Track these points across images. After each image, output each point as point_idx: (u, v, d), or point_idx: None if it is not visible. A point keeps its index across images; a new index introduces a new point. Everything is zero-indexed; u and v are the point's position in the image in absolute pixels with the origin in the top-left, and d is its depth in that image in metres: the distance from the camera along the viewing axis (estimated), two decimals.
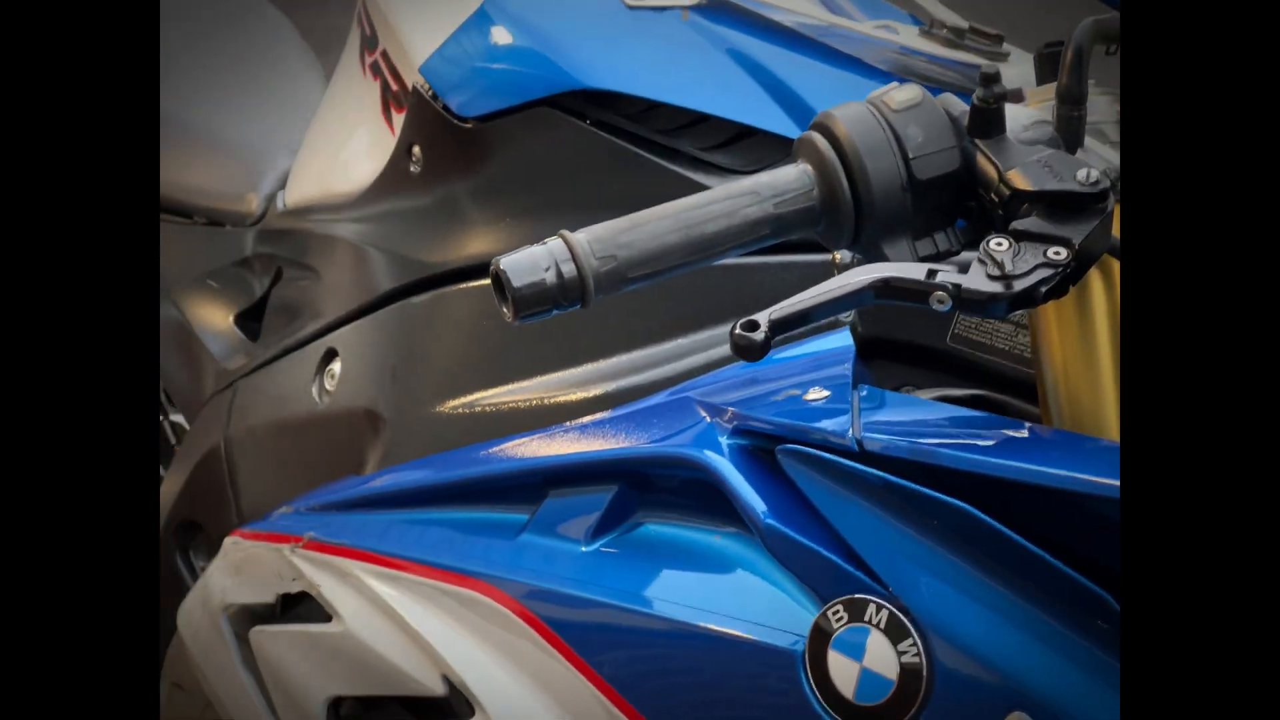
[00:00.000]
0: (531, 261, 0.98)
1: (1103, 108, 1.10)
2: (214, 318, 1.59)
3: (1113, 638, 0.98)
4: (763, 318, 0.99)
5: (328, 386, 1.41)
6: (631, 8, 1.28)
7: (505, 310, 0.99)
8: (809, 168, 1.03)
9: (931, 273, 0.99)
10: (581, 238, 0.99)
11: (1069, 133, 1.05)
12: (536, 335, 1.28)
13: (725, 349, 1.21)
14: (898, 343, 1.17)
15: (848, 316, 1.17)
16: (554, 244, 0.99)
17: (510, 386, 1.29)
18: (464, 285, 1.31)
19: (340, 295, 1.43)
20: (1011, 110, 1.05)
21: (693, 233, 1.01)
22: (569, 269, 0.98)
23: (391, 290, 1.37)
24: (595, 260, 0.99)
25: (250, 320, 1.57)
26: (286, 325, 1.50)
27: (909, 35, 1.29)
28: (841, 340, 1.15)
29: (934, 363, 1.16)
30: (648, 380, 1.23)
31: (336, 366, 1.41)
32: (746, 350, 0.98)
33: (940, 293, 0.99)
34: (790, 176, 1.03)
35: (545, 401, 1.27)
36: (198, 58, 1.75)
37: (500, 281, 0.98)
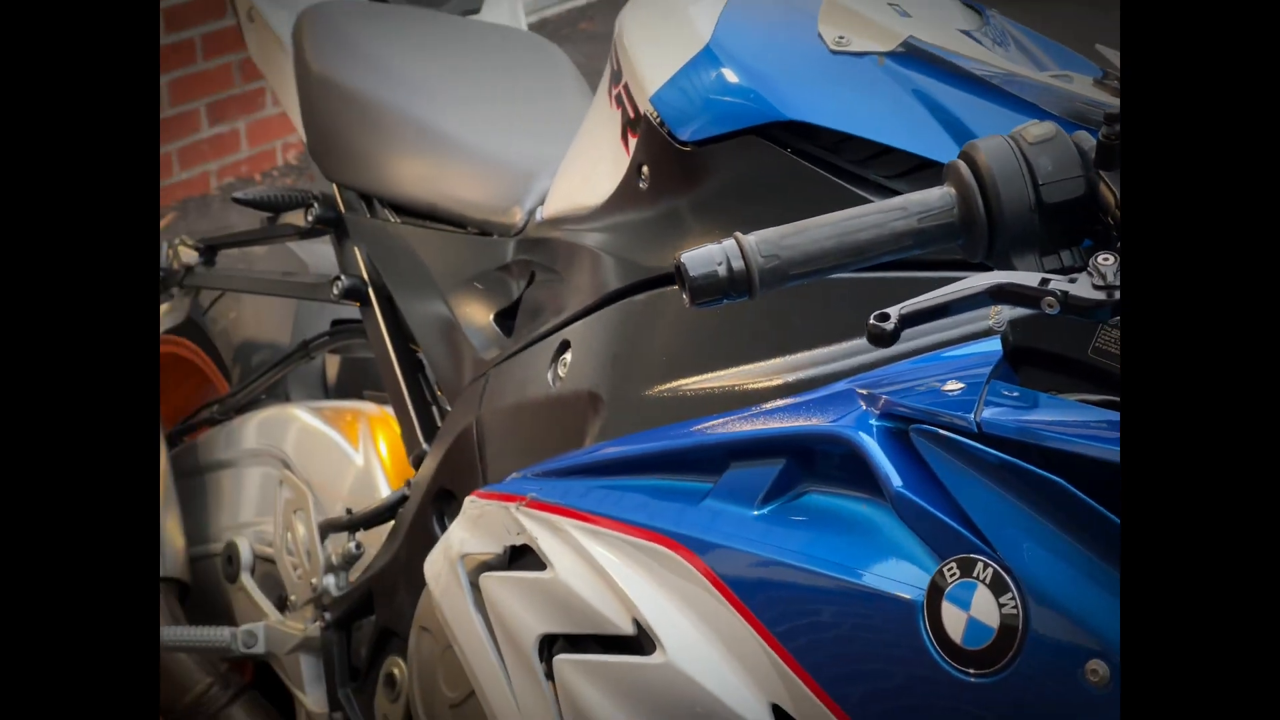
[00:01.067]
0: (707, 256, 1.17)
1: None
2: (477, 315, 1.81)
3: None
4: (894, 311, 1.16)
5: (560, 373, 1.62)
6: (834, 53, 1.46)
7: (685, 297, 1.18)
8: (951, 190, 1.20)
9: (1044, 280, 1.16)
10: (751, 239, 1.18)
11: None
12: (733, 331, 1.47)
13: (862, 347, 1.39)
14: (1044, 353, 1.32)
15: (1000, 326, 1.33)
16: (728, 243, 1.18)
17: (709, 375, 1.48)
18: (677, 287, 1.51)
19: (577, 295, 1.64)
20: None
21: (846, 240, 1.19)
22: (738, 264, 1.17)
23: (618, 290, 1.57)
24: (761, 258, 1.18)
25: (507, 318, 1.79)
26: (533, 321, 1.72)
27: (1083, 84, 1.44)
28: (992, 347, 1.31)
29: (1076, 372, 1.31)
30: (825, 373, 1.41)
31: (569, 356, 1.61)
32: (879, 338, 1.16)
33: (1049, 298, 1.15)
34: (935, 196, 1.20)
35: (737, 388, 1.45)
36: (480, 88, 1.98)
37: (681, 272, 1.18)
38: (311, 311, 2.11)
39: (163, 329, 2.25)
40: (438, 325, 1.86)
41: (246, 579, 2.00)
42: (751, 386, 1.45)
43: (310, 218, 1.99)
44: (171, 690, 1.99)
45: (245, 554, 2.01)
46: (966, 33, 1.49)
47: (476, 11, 2.19)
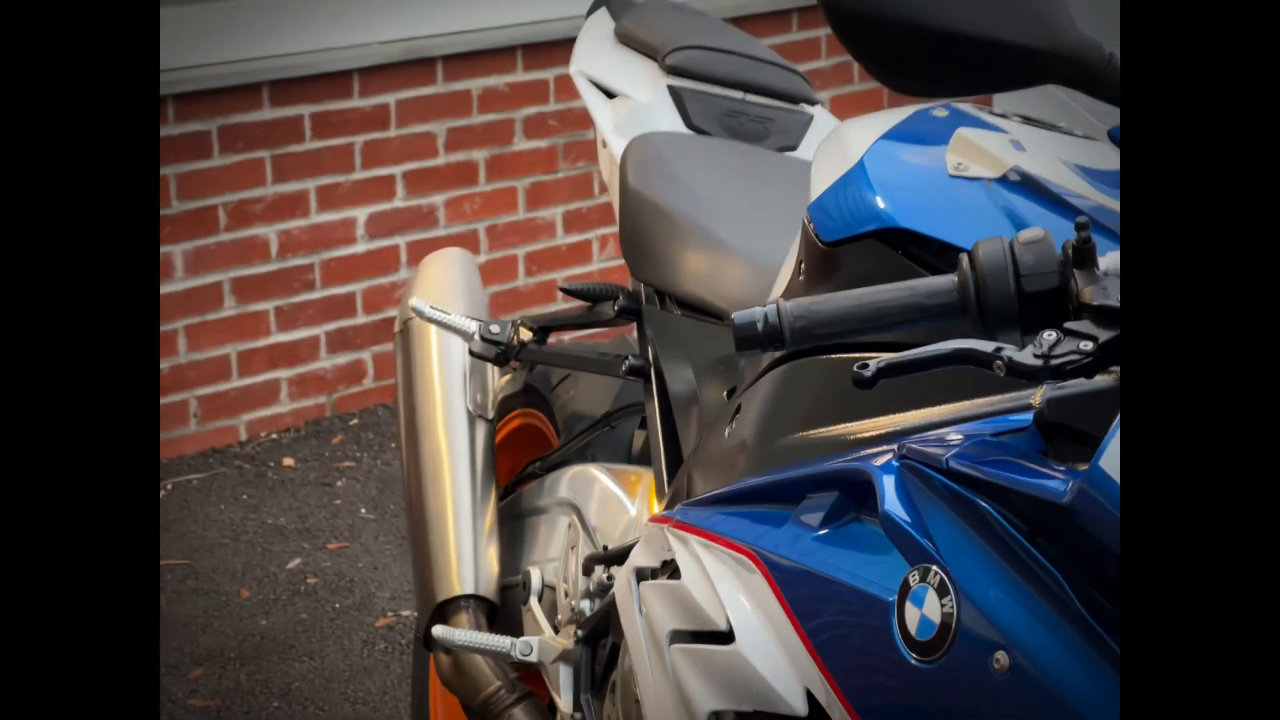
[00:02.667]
0: (751, 316, 1.51)
1: None
2: (712, 394, 2.17)
3: (1072, 612, 1.37)
4: (873, 363, 1.47)
5: (732, 429, 1.96)
6: (952, 176, 1.77)
7: (735, 342, 1.52)
8: (954, 277, 1.50)
9: (998, 349, 1.45)
10: (789, 304, 1.51)
11: None
12: (848, 397, 1.78)
13: (944, 412, 1.67)
14: (1073, 429, 1.59)
15: (1039, 403, 1.60)
16: (770, 306, 1.51)
17: (827, 428, 1.79)
18: (819, 356, 1.84)
19: (756, 368, 1.98)
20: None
21: (863, 310, 1.51)
22: (774, 322, 1.50)
23: (774, 362, 1.91)
24: (791, 318, 1.50)
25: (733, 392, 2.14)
26: (735, 392, 2.07)
27: None
28: (1026, 418, 1.59)
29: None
30: (902, 428, 1.70)
31: (739, 415, 1.95)
32: (859, 383, 1.47)
33: (998, 362, 1.44)
34: (941, 282, 1.50)
35: (842, 437, 1.76)
36: (762, 207, 2.33)
37: (732, 325, 1.51)
38: (632, 391, 2.50)
39: (504, 395, 2.68)
40: (687, 400, 2.23)
41: (534, 602, 2.39)
42: (852, 437, 1.76)
43: (615, 308, 2.39)
44: (469, 688, 2.39)
45: (535, 582, 2.41)
46: (1072, 164, 1.77)
47: (794, 149, 2.55)
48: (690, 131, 2.50)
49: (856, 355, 1.74)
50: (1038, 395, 1.61)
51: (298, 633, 3.61)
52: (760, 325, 1.51)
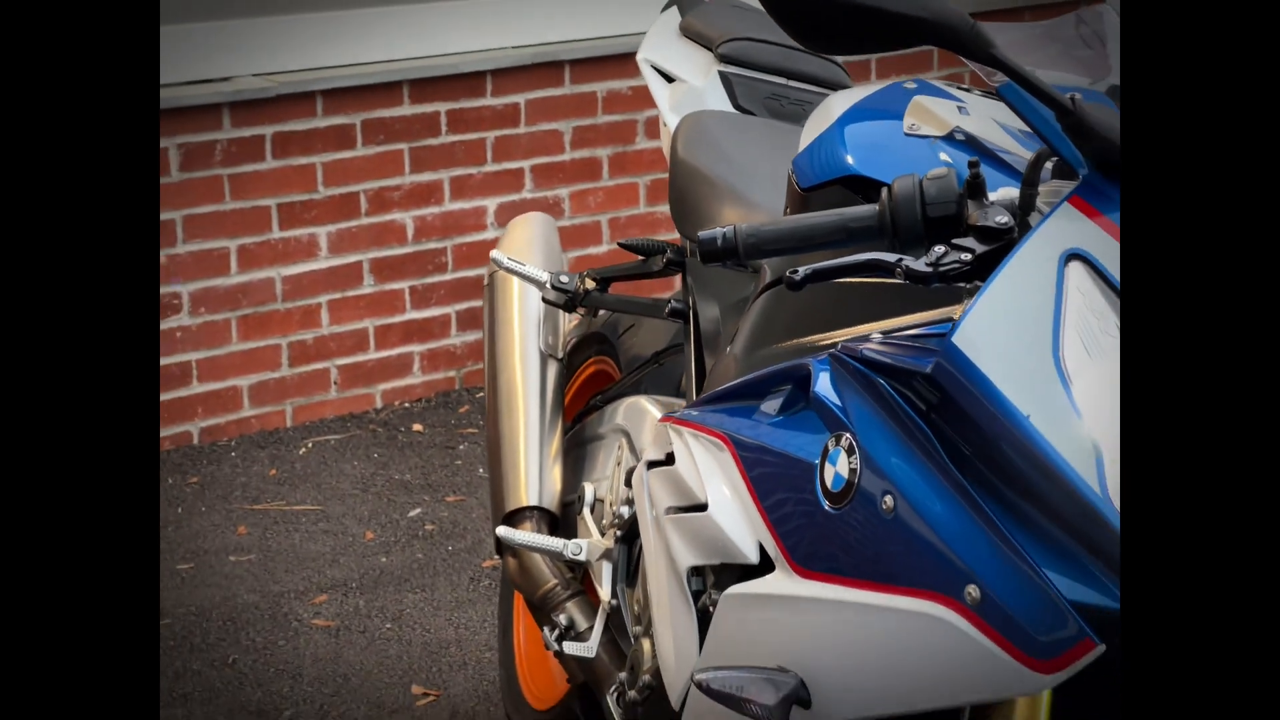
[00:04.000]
0: (712, 234, 1.88)
1: None
2: (731, 327, 2.54)
3: (938, 462, 1.73)
4: (803, 270, 1.84)
5: (729, 346, 2.34)
6: (906, 135, 2.13)
7: (700, 255, 1.90)
8: (876, 206, 1.86)
9: (900, 259, 1.81)
10: (743, 225, 1.88)
11: (1026, 199, 1.83)
12: (813, 314, 2.14)
13: (886, 325, 2.03)
14: None
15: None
16: (729, 227, 1.88)
17: (797, 339, 2.16)
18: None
19: (754, 295, 2.36)
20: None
21: (800, 230, 1.88)
22: (730, 239, 1.88)
23: (763, 288, 2.29)
24: (744, 236, 1.88)
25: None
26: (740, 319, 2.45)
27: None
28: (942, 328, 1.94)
29: None
30: (849, 336, 2.07)
31: (736, 333, 2.34)
32: (790, 285, 1.84)
33: (899, 269, 1.80)
34: (864, 210, 1.87)
35: (807, 345, 2.13)
36: (780, 169, 2.70)
37: (698, 241, 1.89)
38: (681, 335, 2.88)
39: (578, 342, 3.08)
40: (714, 335, 2.60)
41: (586, 513, 2.78)
42: (813, 345, 2.12)
43: (664, 261, 2.78)
44: (530, 585, 2.78)
45: (589, 496, 2.79)
46: (1005, 126, 2.13)
47: None
48: (736, 111, 2.88)
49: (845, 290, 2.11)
50: (959, 310, 1.97)
51: (413, 569, 4.02)
52: (719, 241, 1.88)
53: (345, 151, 4.85)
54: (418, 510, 4.35)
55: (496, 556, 3.94)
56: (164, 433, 4.70)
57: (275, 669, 3.58)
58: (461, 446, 4.74)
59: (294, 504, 4.39)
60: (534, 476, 2.84)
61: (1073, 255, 1.69)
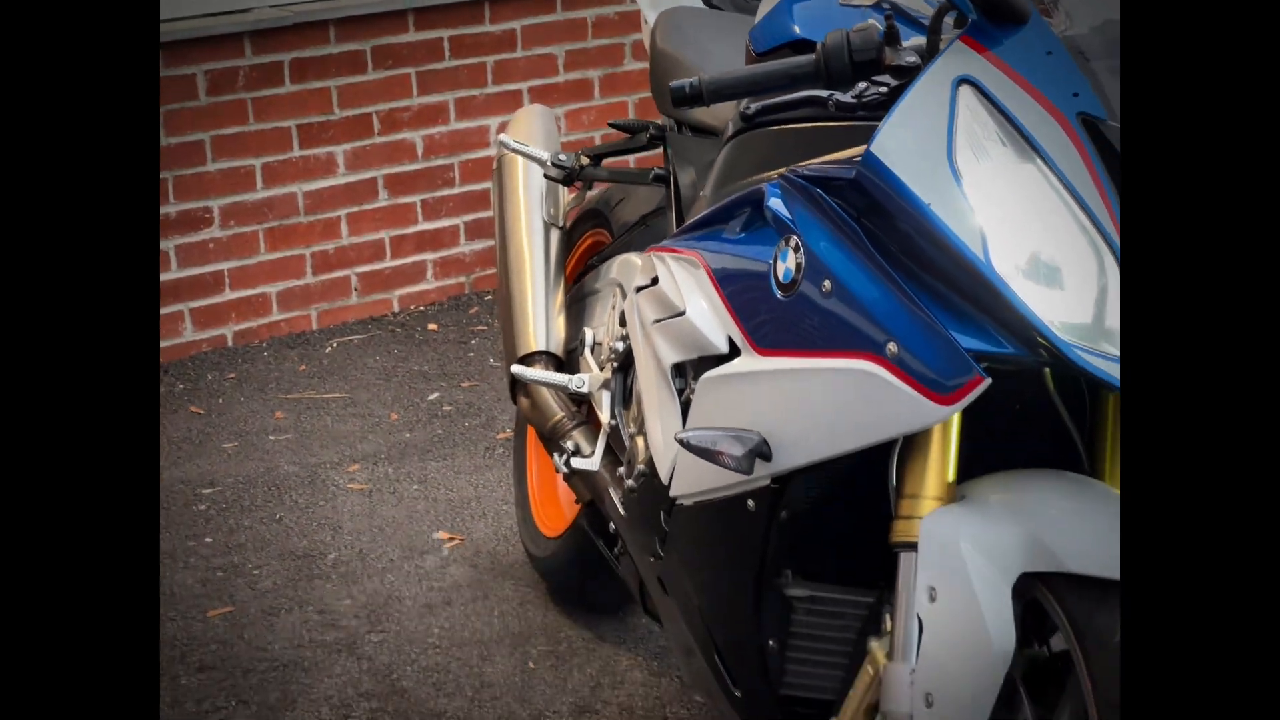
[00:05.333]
0: (681, 83, 2.34)
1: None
2: (704, 185, 3.00)
3: (866, 251, 2.18)
4: (754, 105, 2.29)
5: (704, 188, 2.80)
6: (841, 5, 2.58)
7: (671, 101, 2.35)
8: (813, 55, 2.31)
9: (831, 95, 2.26)
10: (706, 75, 2.33)
11: (931, 44, 2.27)
12: (771, 158, 2.59)
13: (830, 157, 2.48)
14: None
15: None
16: (694, 78, 2.34)
17: (757, 176, 2.61)
18: (754, 132, 2.65)
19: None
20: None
21: (753, 76, 2.33)
22: (696, 86, 2.33)
23: (726, 139, 2.74)
24: (706, 83, 2.33)
25: None
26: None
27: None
28: None
29: None
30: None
31: (707, 178, 2.79)
32: (744, 118, 2.29)
33: (830, 102, 2.26)
34: (804, 59, 2.31)
35: (763, 182, 2.58)
36: (744, 54, 3.15)
37: (669, 89, 2.34)
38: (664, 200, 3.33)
39: (571, 212, 3.53)
40: (691, 194, 3.06)
41: (587, 354, 3.23)
42: (767, 180, 2.58)
43: (648, 137, 3.23)
44: (540, 418, 3.24)
45: (589, 339, 3.25)
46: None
47: None
48: (706, 7, 3.33)
49: (779, 131, 2.57)
50: None
51: (434, 442, 4.49)
52: (687, 89, 2.34)
53: (357, 76, 5.29)
54: (436, 394, 4.81)
55: (507, 431, 4.41)
56: (200, 335, 5.15)
57: (317, 523, 4.04)
58: (473, 341, 5.20)
59: (324, 393, 4.85)
60: (541, 325, 3.30)
61: (963, 80, 2.14)
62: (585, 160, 3.33)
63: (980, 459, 2.25)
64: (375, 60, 5.32)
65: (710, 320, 2.47)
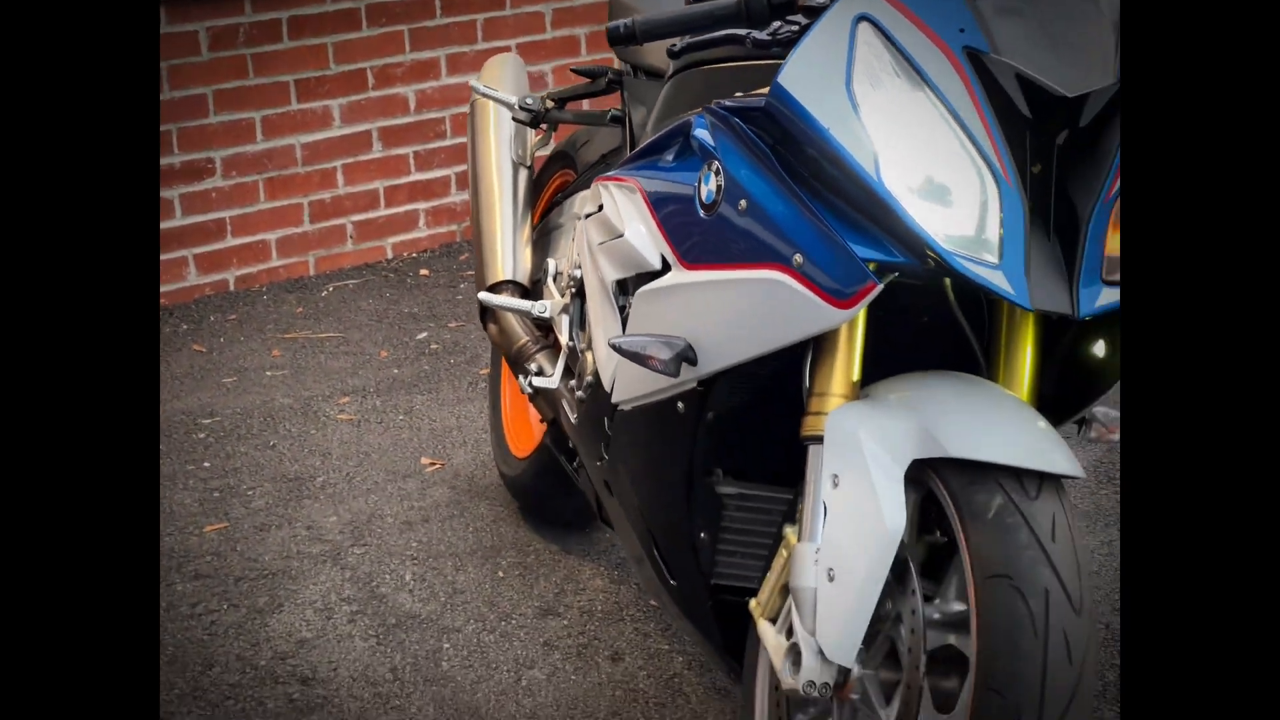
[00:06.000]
0: (616, 24, 2.59)
1: None
2: (650, 117, 3.25)
3: (777, 173, 2.43)
4: (680, 43, 2.54)
5: (648, 125, 3.04)
6: None
7: (608, 41, 2.60)
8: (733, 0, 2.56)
9: (749, 33, 2.51)
10: (638, 17, 2.58)
11: None
12: (706, 94, 2.84)
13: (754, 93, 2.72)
14: None
15: None
16: (628, 19, 2.58)
17: (690, 111, 2.86)
18: (690, 71, 2.90)
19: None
20: None
21: (680, 17, 2.57)
22: (630, 26, 2.58)
23: (670, 75, 2.99)
24: (638, 23, 2.58)
25: None
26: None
27: None
28: None
29: None
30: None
31: (651, 112, 3.04)
32: (670, 54, 2.54)
33: (748, 40, 2.51)
34: (727, 1, 2.56)
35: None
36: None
37: (606, 30, 2.60)
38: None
39: (538, 152, 3.78)
40: (642, 132, 3.31)
41: (550, 282, 3.49)
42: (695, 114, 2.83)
43: (606, 82, 3.48)
44: (507, 342, 3.49)
45: (552, 268, 3.50)
46: None
47: None
48: None
49: (710, 70, 2.82)
50: None
51: (420, 378, 4.75)
52: (621, 29, 2.59)
53: (352, 33, 5.54)
54: (424, 334, 5.07)
55: (488, 367, 4.66)
56: (203, 280, 5.41)
57: (308, 450, 4.31)
58: (462, 285, 5.45)
59: (319, 333, 5.11)
60: (509, 257, 3.56)
61: (861, 18, 2.38)
62: (550, 103, 3.58)
63: (891, 365, 2.50)
64: (370, 18, 5.57)
65: (645, 240, 2.72)
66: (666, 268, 2.66)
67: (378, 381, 4.73)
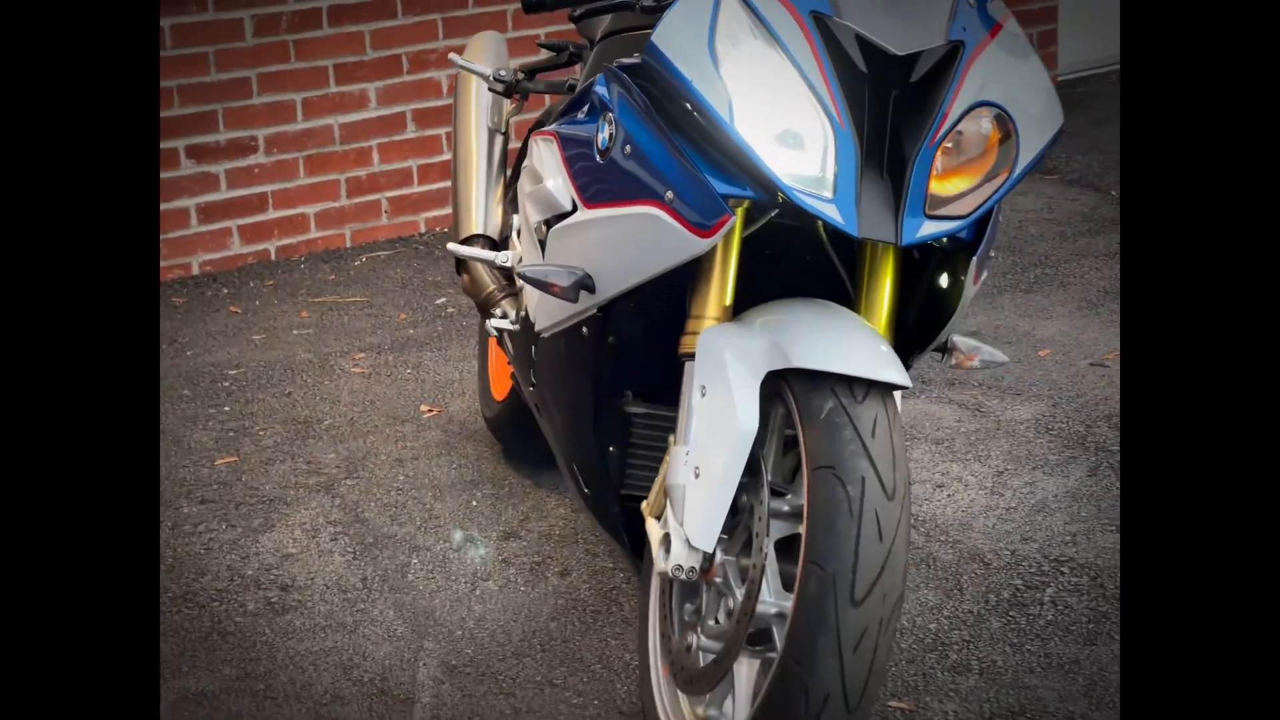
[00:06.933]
0: None
1: None
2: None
3: (656, 122, 2.79)
4: (579, 10, 2.90)
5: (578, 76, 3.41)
6: None
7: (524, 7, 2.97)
8: None
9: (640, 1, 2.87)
10: None
11: None
12: (625, 51, 3.20)
13: None
14: None
15: None
16: None
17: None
18: (615, 38, 3.26)
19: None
20: None
21: None
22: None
23: (598, 40, 3.35)
24: None
25: None
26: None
27: None
28: None
29: None
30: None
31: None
32: (572, 19, 2.91)
33: (638, 6, 2.87)
34: None
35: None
36: None
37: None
38: None
39: (511, 117, 4.15)
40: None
41: (514, 236, 3.85)
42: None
43: (568, 55, 3.85)
44: (477, 290, 3.85)
45: (516, 223, 3.87)
46: None
47: None
48: None
49: (627, 38, 3.18)
50: None
51: (432, 337, 5.13)
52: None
53: (388, 21, 5.94)
54: (443, 299, 5.46)
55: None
56: (246, 250, 5.83)
57: (320, 397, 4.70)
58: None
59: (347, 297, 5.51)
60: (481, 213, 3.93)
61: None
62: (521, 75, 3.95)
63: (772, 296, 2.84)
64: (405, 7, 5.96)
65: (560, 185, 3.08)
66: (575, 208, 3.02)
67: (393, 340, 5.12)
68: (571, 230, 2.99)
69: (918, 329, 2.93)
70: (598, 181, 2.92)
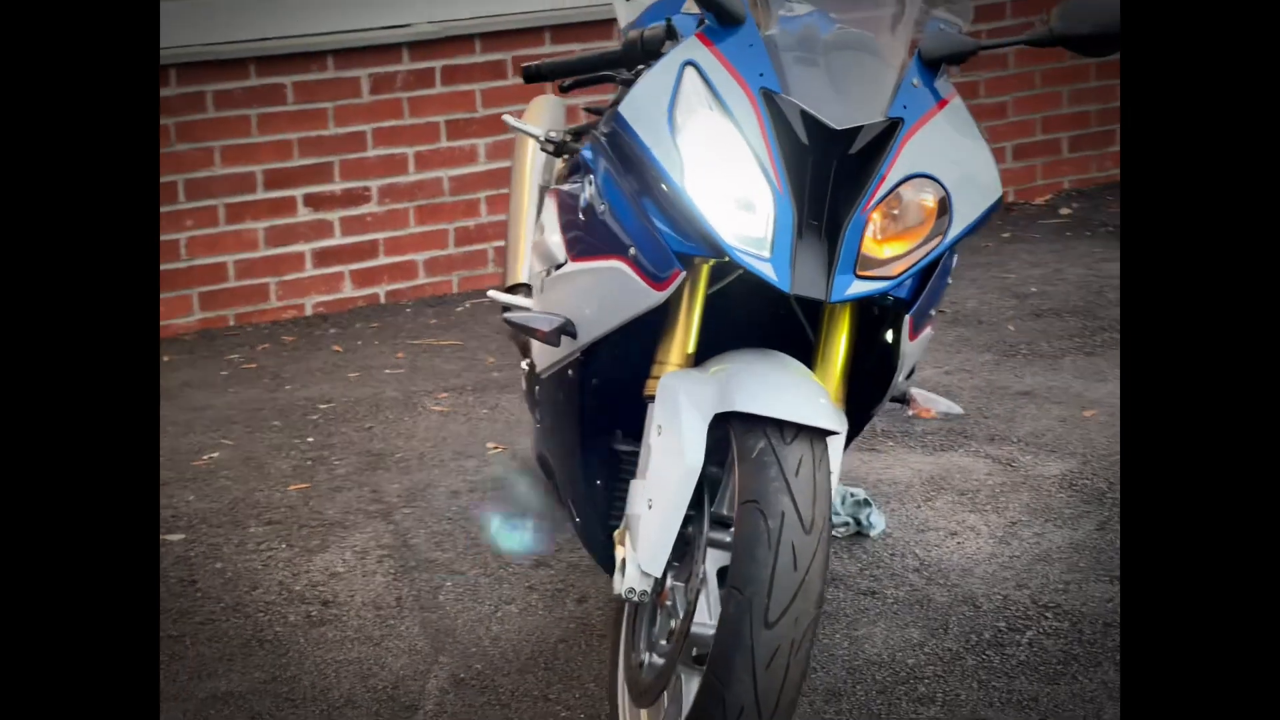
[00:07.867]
0: (532, 64, 3.26)
1: None
2: None
3: (630, 185, 3.07)
4: (569, 81, 3.20)
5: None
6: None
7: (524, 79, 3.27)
8: (621, 48, 3.20)
9: (620, 72, 3.16)
10: (548, 61, 3.25)
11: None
12: None
13: None
14: None
15: None
16: (542, 61, 3.25)
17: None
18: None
19: None
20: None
21: (581, 59, 3.23)
22: (538, 66, 3.25)
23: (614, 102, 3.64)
24: (546, 63, 3.25)
25: None
26: None
27: None
28: None
29: None
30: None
31: None
32: (561, 89, 3.20)
33: (618, 79, 3.15)
34: (616, 50, 3.21)
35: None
36: None
37: (522, 69, 3.27)
38: None
39: (563, 174, 4.44)
40: None
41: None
42: None
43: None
44: (519, 337, 4.15)
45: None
46: None
47: None
48: None
49: None
50: None
51: (516, 380, 5.43)
52: (534, 69, 3.26)
53: (499, 81, 6.29)
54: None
55: None
56: (357, 293, 6.20)
57: (397, 433, 5.04)
58: None
59: (443, 341, 5.85)
60: (526, 263, 4.24)
61: (687, 63, 3.00)
62: (569, 137, 4.25)
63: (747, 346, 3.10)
64: (515, 68, 6.31)
65: (556, 240, 3.37)
66: (565, 260, 3.31)
67: (476, 382, 5.44)
68: (559, 280, 3.28)
69: (874, 382, 3.17)
70: (581, 237, 3.20)
